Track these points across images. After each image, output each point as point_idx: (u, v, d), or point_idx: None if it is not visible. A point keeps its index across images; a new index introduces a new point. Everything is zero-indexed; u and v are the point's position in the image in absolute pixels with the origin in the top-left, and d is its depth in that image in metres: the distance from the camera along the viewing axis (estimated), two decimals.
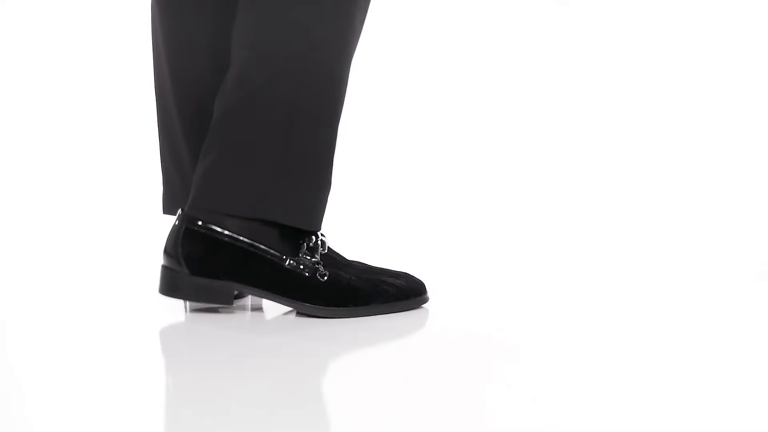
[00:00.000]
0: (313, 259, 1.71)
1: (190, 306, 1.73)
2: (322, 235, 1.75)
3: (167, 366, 1.52)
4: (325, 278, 1.71)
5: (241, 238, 1.69)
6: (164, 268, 1.72)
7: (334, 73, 1.68)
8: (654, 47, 3.14)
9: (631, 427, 1.25)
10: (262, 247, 1.70)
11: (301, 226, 1.70)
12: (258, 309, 1.76)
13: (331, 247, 1.76)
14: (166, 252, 1.71)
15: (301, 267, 1.71)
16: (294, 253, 1.72)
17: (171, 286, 1.71)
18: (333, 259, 1.74)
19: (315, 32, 1.66)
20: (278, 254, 1.70)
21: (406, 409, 1.33)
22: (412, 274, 1.81)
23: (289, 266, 1.70)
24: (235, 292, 1.72)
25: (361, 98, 3.02)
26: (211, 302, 1.70)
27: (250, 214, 1.68)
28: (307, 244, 1.72)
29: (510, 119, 3.09)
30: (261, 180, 1.68)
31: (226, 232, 1.69)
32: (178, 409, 1.32)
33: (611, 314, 1.79)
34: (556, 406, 1.34)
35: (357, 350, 1.63)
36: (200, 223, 1.69)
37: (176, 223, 1.72)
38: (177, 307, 1.76)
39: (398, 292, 1.76)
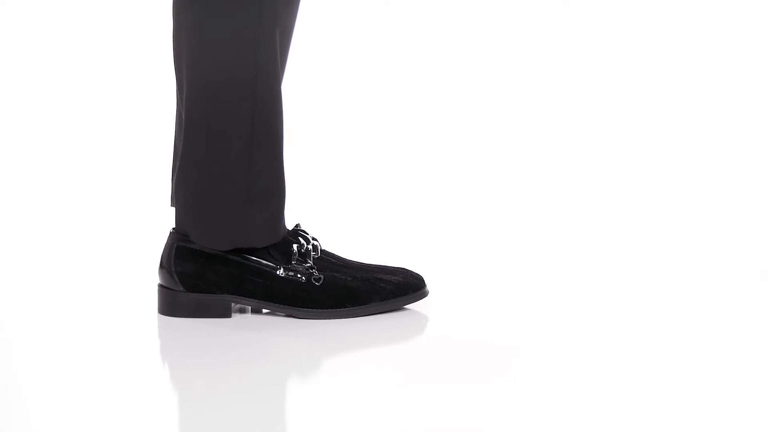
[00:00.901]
0: (306, 265, 1.71)
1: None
2: (313, 239, 1.75)
3: (164, 367, 1.55)
4: (320, 282, 1.71)
5: (231, 253, 1.70)
6: (160, 287, 1.73)
7: (247, 92, 1.68)
8: (654, 47, 3.14)
9: (633, 428, 1.26)
10: (254, 258, 1.71)
11: (274, 242, 1.72)
12: (257, 311, 1.76)
13: (325, 249, 1.76)
14: (161, 267, 1.72)
15: (296, 274, 1.71)
16: (287, 261, 1.72)
17: (169, 305, 1.72)
18: (328, 261, 1.74)
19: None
20: (271, 264, 1.70)
21: (406, 409, 1.34)
22: (409, 269, 1.79)
23: (282, 274, 1.70)
24: (234, 305, 1.73)
25: (360, 95, 3.04)
26: (209, 316, 1.71)
27: (229, 247, 1.70)
28: (299, 251, 1.72)
29: (507, 116, 3.08)
30: (228, 213, 1.69)
31: (212, 249, 1.71)
32: (179, 409, 1.35)
33: (612, 314, 1.78)
34: (555, 405, 1.34)
35: (354, 351, 1.64)
36: (184, 241, 1.71)
37: (168, 240, 1.72)
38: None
39: (396, 289, 1.75)
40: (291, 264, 1.71)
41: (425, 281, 1.78)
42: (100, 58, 3.06)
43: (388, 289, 1.74)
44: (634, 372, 1.46)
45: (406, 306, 1.78)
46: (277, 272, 1.70)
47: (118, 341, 1.64)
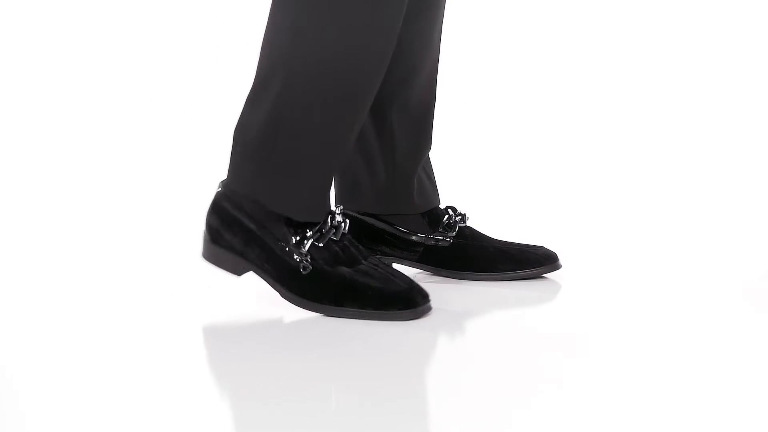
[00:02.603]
0: (302, 251, 1.71)
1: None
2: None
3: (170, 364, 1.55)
4: (307, 271, 1.71)
5: (248, 220, 1.73)
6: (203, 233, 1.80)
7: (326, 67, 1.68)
8: (655, 47, 3.17)
9: (635, 428, 1.28)
10: (267, 231, 1.73)
11: (291, 216, 1.72)
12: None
13: (353, 240, 1.78)
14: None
15: (293, 256, 1.72)
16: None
17: (202, 249, 1.78)
18: (352, 254, 1.75)
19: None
20: (278, 241, 1.72)
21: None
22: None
23: (280, 252, 1.72)
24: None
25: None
26: (221, 267, 1.76)
27: (249, 196, 1.73)
28: (303, 236, 1.72)
29: (506, 116, 3.12)
30: (262, 171, 1.72)
31: (236, 212, 1.74)
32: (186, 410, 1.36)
33: (612, 314, 1.79)
34: (554, 405, 1.37)
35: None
36: (221, 198, 1.75)
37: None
38: (180, 307, 1.83)
39: (377, 300, 1.71)
40: (301, 245, 1.73)
41: (428, 299, 1.76)
42: (101, 59, 3.11)
43: (369, 296, 1.71)
44: (634, 374, 1.46)
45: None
46: (276, 250, 1.73)
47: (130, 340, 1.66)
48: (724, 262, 2.14)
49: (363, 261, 1.73)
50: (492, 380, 1.44)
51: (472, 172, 2.89)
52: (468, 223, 1.98)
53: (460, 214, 1.97)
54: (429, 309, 1.71)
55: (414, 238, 1.94)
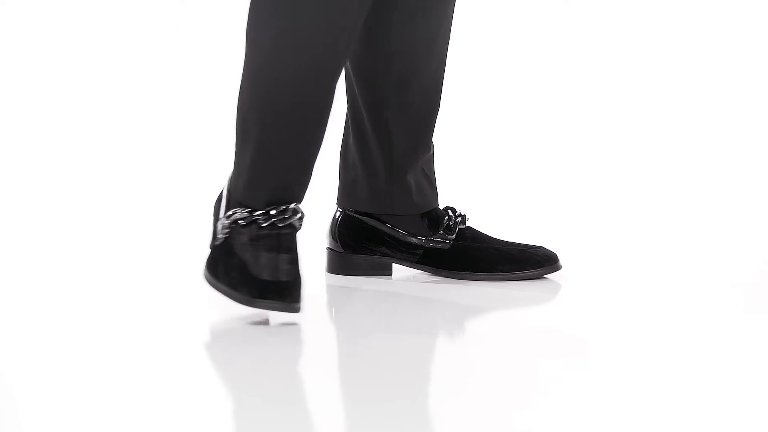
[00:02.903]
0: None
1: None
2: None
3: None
4: (217, 242, 1.77)
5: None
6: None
7: None
8: (656, 47, 3.16)
9: (635, 428, 1.28)
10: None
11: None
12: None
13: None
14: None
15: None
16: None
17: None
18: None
19: None
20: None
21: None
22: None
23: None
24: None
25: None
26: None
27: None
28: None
29: (505, 116, 3.12)
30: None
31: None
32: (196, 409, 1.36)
33: (612, 314, 1.79)
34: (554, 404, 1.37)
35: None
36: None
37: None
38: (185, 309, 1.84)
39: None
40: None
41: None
42: (103, 59, 3.10)
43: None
44: (633, 373, 1.46)
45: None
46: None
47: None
48: (724, 261, 2.15)
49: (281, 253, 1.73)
50: (492, 381, 1.44)
51: (471, 171, 2.89)
52: (468, 223, 1.99)
53: (460, 215, 1.97)
54: (295, 310, 1.68)
55: (413, 240, 1.95)
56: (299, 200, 1.76)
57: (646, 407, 1.32)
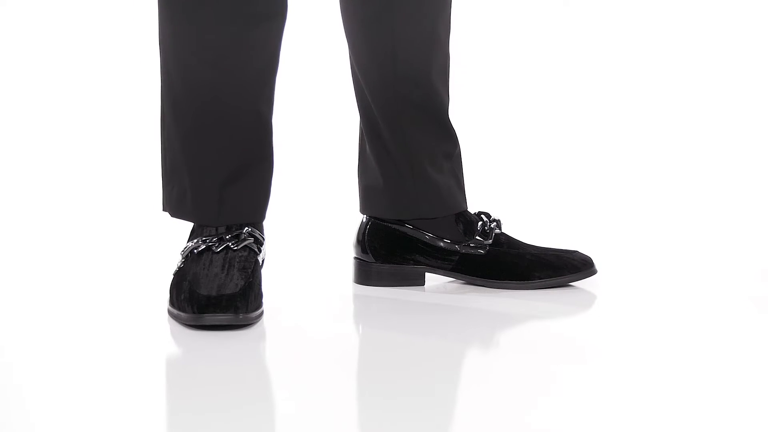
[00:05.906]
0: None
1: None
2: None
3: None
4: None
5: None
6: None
7: None
8: (656, 47, 3.13)
9: (637, 428, 1.26)
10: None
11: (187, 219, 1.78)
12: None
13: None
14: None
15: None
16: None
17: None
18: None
19: None
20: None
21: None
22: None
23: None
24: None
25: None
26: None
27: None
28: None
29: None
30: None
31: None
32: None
33: (611, 314, 1.78)
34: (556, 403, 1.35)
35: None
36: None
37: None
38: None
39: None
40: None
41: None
42: (103, 59, 3.10)
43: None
44: (636, 373, 1.45)
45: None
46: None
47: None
48: (726, 261, 2.13)
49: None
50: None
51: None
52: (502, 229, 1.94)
53: (495, 220, 1.92)
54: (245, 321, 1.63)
55: (442, 244, 1.89)
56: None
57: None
